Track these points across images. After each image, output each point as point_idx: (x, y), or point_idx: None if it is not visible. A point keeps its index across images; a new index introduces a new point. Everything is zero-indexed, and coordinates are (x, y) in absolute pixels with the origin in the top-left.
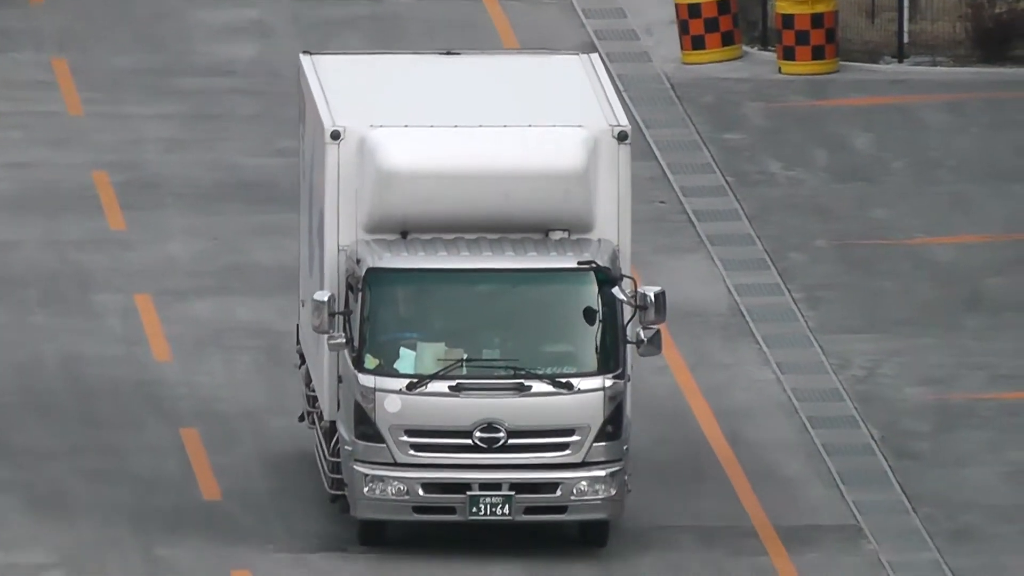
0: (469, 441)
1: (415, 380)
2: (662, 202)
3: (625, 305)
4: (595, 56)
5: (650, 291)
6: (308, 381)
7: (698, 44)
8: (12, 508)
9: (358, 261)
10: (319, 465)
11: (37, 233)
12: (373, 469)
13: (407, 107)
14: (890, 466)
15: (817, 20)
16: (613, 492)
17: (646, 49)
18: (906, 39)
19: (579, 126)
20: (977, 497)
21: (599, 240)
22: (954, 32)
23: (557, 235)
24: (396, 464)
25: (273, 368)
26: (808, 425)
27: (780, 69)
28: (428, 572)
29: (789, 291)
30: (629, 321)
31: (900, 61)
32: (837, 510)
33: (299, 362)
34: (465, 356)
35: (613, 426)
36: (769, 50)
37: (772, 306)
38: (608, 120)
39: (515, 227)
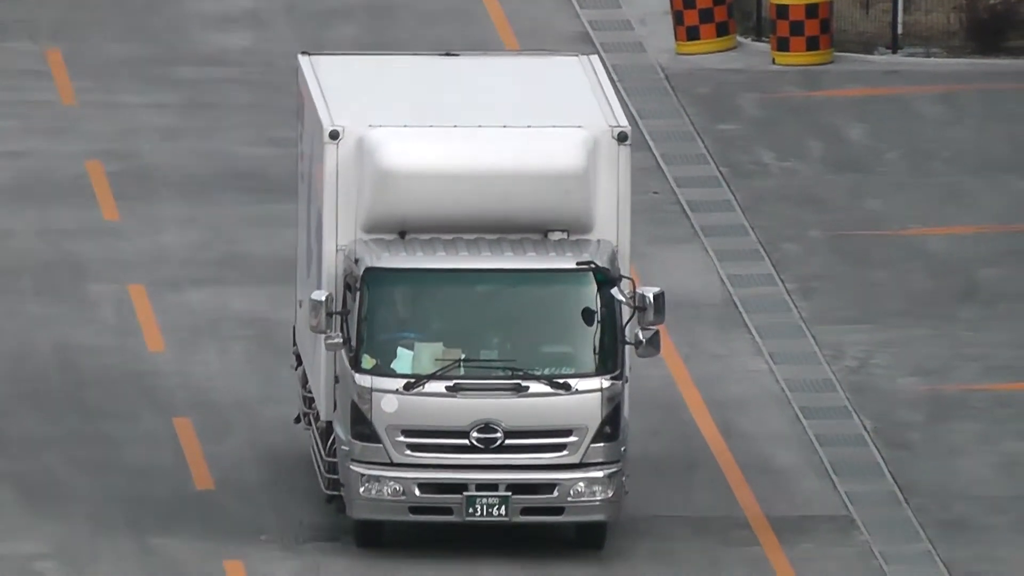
0: (466, 441)
1: (412, 380)
2: (655, 192)
3: (624, 306)
4: (595, 57)
5: (649, 292)
6: (305, 382)
7: (692, 35)
8: (5, 498)
9: (356, 261)
10: (315, 465)
11: (31, 223)
12: (369, 469)
13: (406, 107)
14: (883, 457)
15: (811, 11)
16: (610, 494)
17: (640, 39)
18: (900, 30)
19: (579, 127)
20: (970, 488)
21: (598, 241)
22: (948, 23)
23: (556, 236)
24: (392, 464)
25: (267, 358)
26: (801, 416)
27: (774, 60)
28: (422, 566)
29: (782, 282)
30: (628, 322)
31: (894, 52)
32: (829, 501)
33: (295, 363)
34: (463, 356)
35: (611, 427)
36: (763, 41)
37: (765, 297)
38: (608, 121)
39: (514, 227)
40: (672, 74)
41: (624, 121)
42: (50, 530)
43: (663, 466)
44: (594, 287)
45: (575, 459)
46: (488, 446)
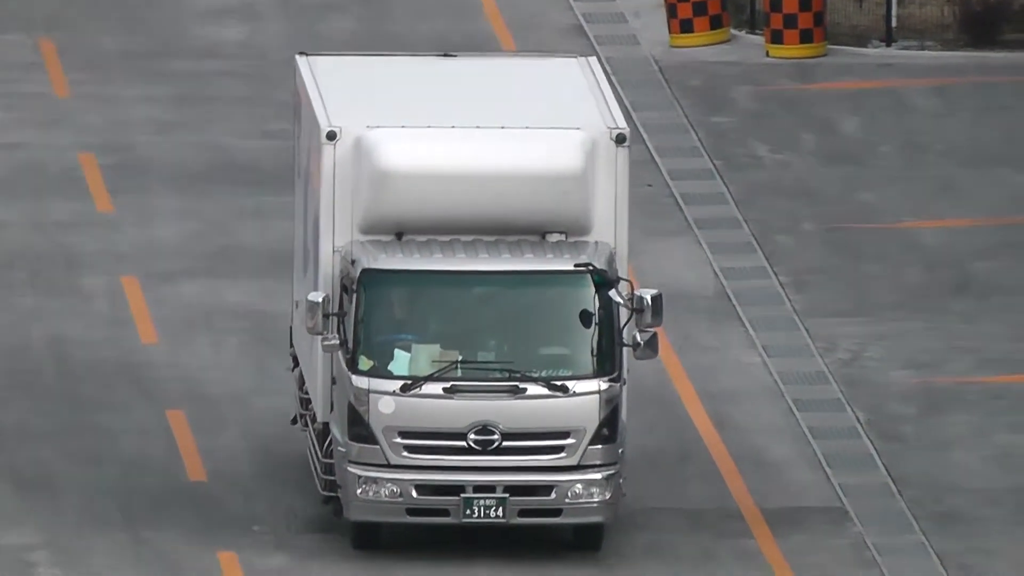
0: (463, 443)
1: (409, 382)
2: (649, 185)
3: (621, 308)
4: (593, 58)
5: (647, 294)
6: (301, 383)
7: (686, 27)
8: None
9: (353, 262)
10: (312, 466)
11: (24, 214)
12: (366, 471)
13: (403, 108)
14: (876, 449)
15: (805, 4)
16: (608, 495)
17: (634, 32)
18: (894, 23)
19: (577, 128)
20: (962, 480)
21: (596, 243)
22: (942, 16)
23: (554, 237)
24: (390, 466)
25: (260, 351)
26: (794, 408)
27: (768, 53)
28: (418, 567)
29: (776, 274)
30: (625, 324)
31: (888, 45)
32: (823, 493)
33: (292, 364)
34: (460, 358)
35: (609, 429)
36: (757, 33)
37: (758, 289)
38: (606, 122)
39: (512, 229)
40: (666, 67)
41: (622, 123)
42: (43, 521)
43: (656, 458)
44: (592, 289)
45: (573, 461)
46: (485, 448)
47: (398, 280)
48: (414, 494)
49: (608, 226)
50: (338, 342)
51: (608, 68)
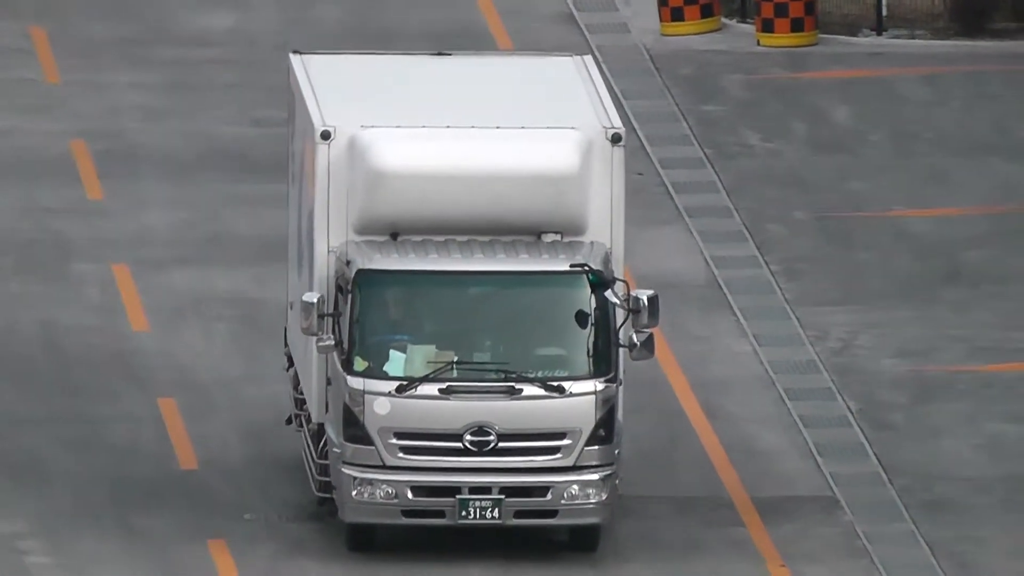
0: (459, 444)
1: (405, 383)
2: (639, 174)
3: (618, 308)
4: (588, 57)
5: (643, 295)
6: (296, 383)
7: (677, 16)
8: None
9: (348, 262)
10: (307, 467)
11: (14, 201)
12: (362, 472)
13: (398, 107)
14: (866, 438)
15: None
16: (604, 496)
17: (625, 20)
18: (885, 12)
19: (572, 128)
20: (953, 469)
21: (592, 243)
22: (933, 5)
23: (549, 238)
24: (385, 467)
25: (251, 338)
26: (785, 397)
27: (759, 41)
28: (410, 563)
29: (767, 263)
30: (622, 325)
31: (879, 34)
32: (813, 481)
33: (287, 364)
34: (455, 359)
35: (605, 430)
36: (748, 22)
37: (750, 278)
38: (602, 122)
39: (507, 229)
40: (657, 55)
41: (618, 122)
42: (33, 509)
43: (647, 447)
44: (588, 289)
45: (569, 462)
46: (481, 449)
47: (393, 281)
48: (409, 495)
49: (604, 226)
50: (333, 343)
51: (599, 57)
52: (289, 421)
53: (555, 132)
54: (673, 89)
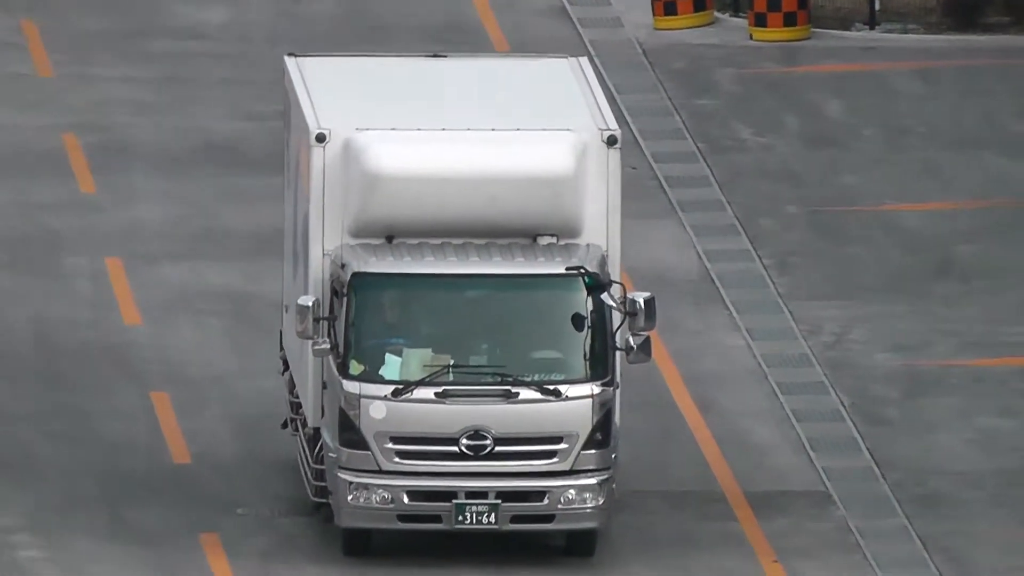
0: (455, 448)
1: (401, 386)
2: (633, 168)
3: (614, 311)
4: (584, 59)
5: (639, 297)
6: (292, 387)
7: (670, 10)
8: None
9: (343, 266)
10: (302, 472)
11: (6, 195)
12: (357, 477)
13: (393, 110)
14: (859, 432)
15: None
16: (601, 501)
17: (618, 14)
18: (877, 6)
19: (568, 130)
20: (946, 463)
21: (588, 245)
22: (925, 0)
23: (545, 240)
24: (381, 472)
25: (243, 332)
26: (777, 391)
27: (751, 35)
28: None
29: (759, 257)
30: (618, 328)
31: (871, 28)
32: (806, 476)
33: (282, 368)
34: (452, 362)
35: (602, 434)
36: (741, 16)
37: (742, 272)
38: (597, 124)
39: (503, 232)
40: (649, 49)
41: (614, 124)
42: (25, 503)
43: (640, 441)
44: (584, 292)
45: (566, 466)
46: (478, 453)
47: (389, 284)
48: (405, 500)
49: (600, 228)
50: (329, 346)
51: (592, 51)
52: (285, 425)
53: (550, 134)
54: (666, 83)
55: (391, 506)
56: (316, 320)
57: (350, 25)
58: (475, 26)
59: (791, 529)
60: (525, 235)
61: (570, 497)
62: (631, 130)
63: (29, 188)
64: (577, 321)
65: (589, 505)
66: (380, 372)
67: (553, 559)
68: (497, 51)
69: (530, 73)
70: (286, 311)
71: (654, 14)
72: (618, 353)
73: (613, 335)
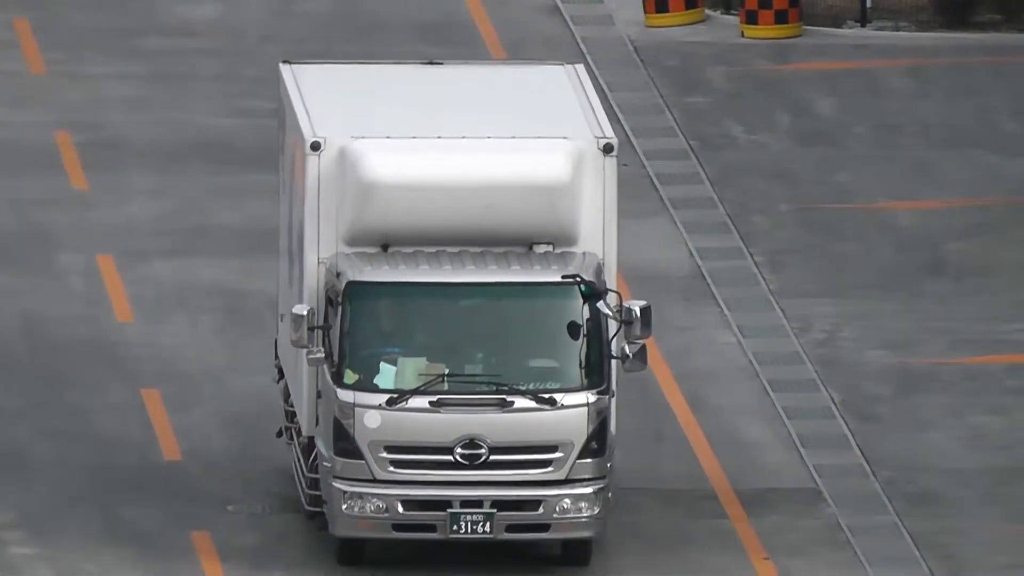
0: (450, 458)
1: (395, 395)
2: (625, 165)
3: (610, 320)
4: (580, 66)
5: (635, 306)
6: (286, 396)
7: (661, 7)
8: None
9: (338, 274)
10: (297, 481)
11: None
12: (352, 486)
13: (389, 118)
14: (850, 430)
15: None
16: (597, 510)
17: (609, 12)
18: (869, 4)
19: (564, 138)
20: (937, 461)
21: (584, 254)
22: None
23: (541, 248)
24: (375, 481)
25: (235, 329)
26: (769, 388)
27: (743, 33)
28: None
29: (751, 255)
30: (614, 336)
31: (863, 26)
32: (797, 473)
33: (277, 376)
34: (446, 371)
35: (597, 443)
36: (732, 14)
37: (734, 270)
38: (594, 131)
39: (498, 240)
40: (641, 47)
41: (610, 132)
42: (17, 500)
43: (630, 438)
44: (579, 301)
45: (561, 475)
46: (472, 462)
47: (384, 292)
48: (400, 509)
49: (596, 236)
50: (323, 355)
51: (583, 48)
52: (280, 434)
53: (546, 142)
54: (657, 81)
55: (386, 515)
56: (311, 329)
57: (342, 22)
58: (467, 23)
59: (782, 526)
60: (521, 243)
61: (565, 506)
62: (623, 128)
63: (21, 185)
64: (573, 330)
65: (585, 514)
66: (375, 381)
67: (548, 568)
68: (489, 48)
69: (526, 81)
70: (281, 319)
71: (646, 11)
72: (614, 362)
73: (609, 344)
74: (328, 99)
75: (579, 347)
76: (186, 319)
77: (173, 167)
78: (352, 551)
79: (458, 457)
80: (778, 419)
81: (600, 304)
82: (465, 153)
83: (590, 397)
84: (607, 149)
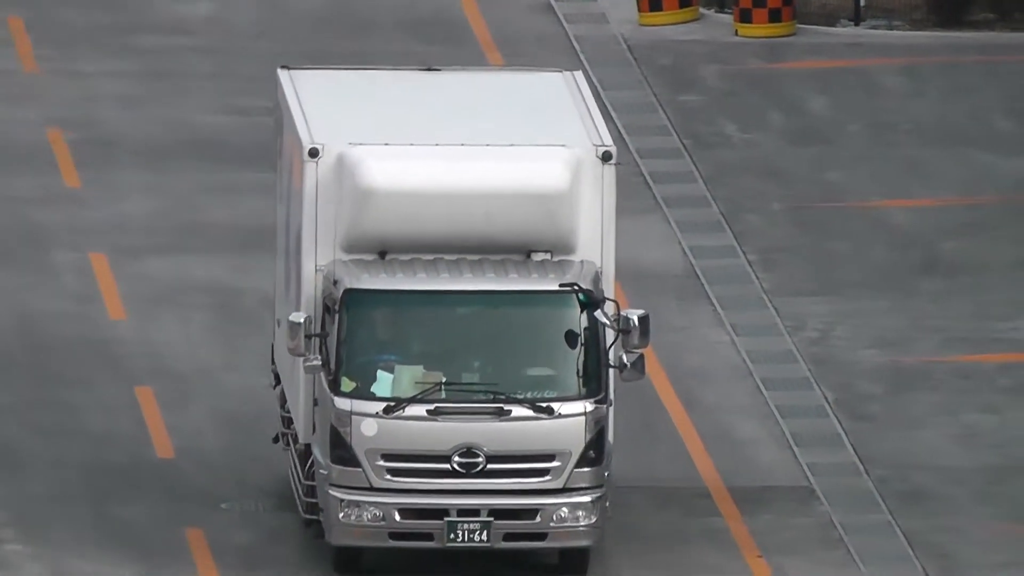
0: (447, 466)
1: (392, 403)
2: (618, 163)
3: (608, 328)
4: (579, 73)
5: (633, 315)
6: (283, 403)
7: (655, 5)
8: None
9: (335, 282)
10: (293, 488)
11: None
12: (349, 494)
13: (387, 124)
14: (843, 428)
15: None
16: (594, 519)
17: (603, 10)
18: (863, 2)
19: (562, 145)
20: (930, 459)
21: (582, 262)
22: None
23: (539, 256)
24: (372, 489)
25: (228, 327)
26: (762, 387)
27: (737, 31)
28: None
29: (744, 253)
30: (612, 345)
31: (857, 24)
32: (790, 472)
33: (274, 382)
34: (444, 379)
35: (595, 451)
36: (726, 12)
37: (727, 268)
38: (592, 139)
39: (496, 248)
40: (634, 45)
41: (608, 139)
42: (8, 498)
43: (624, 436)
44: (577, 309)
45: (558, 484)
46: (470, 471)
47: (381, 300)
48: (397, 518)
49: (594, 245)
50: (320, 363)
51: (577, 46)
52: (276, 440)
53: (545, 150)
54: (651, 79)
55: (382, 523)
56: (308, 336)
57: (335, 20)
58: (460, 21)
59: (775, 525)
60: (519, 251)
61: (563, 515)
62: (616, 126)
63: (14, 183)
64: (570, 338)
65: (582, 523)
66: (372, 389)
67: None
68: (482, 46)
69: (525, 88)
70: (278, 326)
71: (639, 10)
72: (611, 370)
73: (607, 352)
74: (326, 105)
75: (577, 356)
76: (179, 317)
77: (166, 165)
78: (349, 559)
79: (455, 465)
80: (771, 417)
81: (598, 313)
82: (463, 160)
83: (588, 406)
84: (606, 157)
